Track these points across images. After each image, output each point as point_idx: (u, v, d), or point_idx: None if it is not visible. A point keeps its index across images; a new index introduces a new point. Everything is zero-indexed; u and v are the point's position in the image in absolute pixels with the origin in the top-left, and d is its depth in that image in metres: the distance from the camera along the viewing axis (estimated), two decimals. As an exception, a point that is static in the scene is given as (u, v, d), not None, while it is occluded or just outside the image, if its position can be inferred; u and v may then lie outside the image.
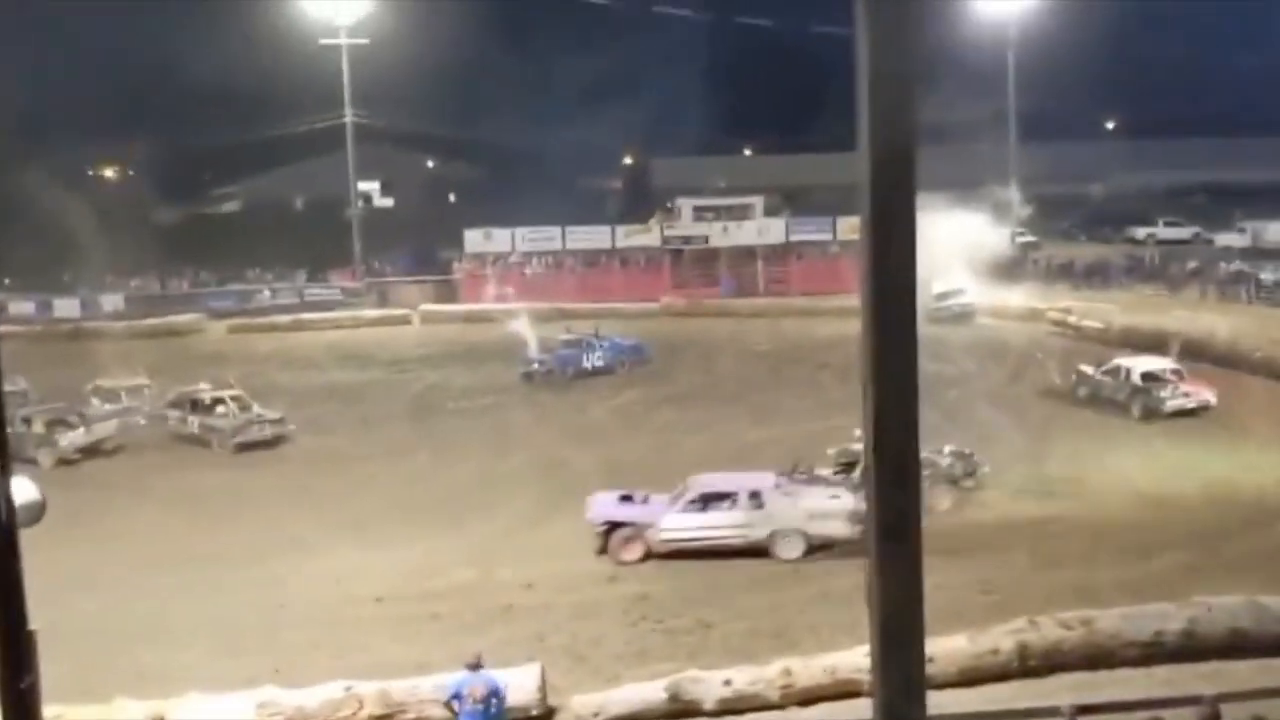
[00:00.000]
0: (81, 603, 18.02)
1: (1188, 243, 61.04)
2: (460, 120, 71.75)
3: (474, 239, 55.16)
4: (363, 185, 61.04)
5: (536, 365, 37.01)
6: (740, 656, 15.86)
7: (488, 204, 61.01)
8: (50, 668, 4.66)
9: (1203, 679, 13.74)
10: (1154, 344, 33.86)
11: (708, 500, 21.07)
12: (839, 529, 20.27)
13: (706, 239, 55.32)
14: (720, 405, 32.74)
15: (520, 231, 55.06)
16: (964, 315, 41.82)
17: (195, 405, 31.14)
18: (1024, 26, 58.01)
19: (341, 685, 14.50)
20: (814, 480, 22.45)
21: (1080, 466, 25.58)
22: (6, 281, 55.49)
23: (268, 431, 30.37)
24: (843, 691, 14.31)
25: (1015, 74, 58.72)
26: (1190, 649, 15.12)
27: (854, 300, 4.42)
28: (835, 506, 20.74)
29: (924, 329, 4.21)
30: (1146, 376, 29.88)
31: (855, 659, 13.93)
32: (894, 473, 4.19)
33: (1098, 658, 15.11)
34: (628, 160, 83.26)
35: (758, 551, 20.51)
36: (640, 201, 65.70)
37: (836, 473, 22.82)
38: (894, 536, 4.20)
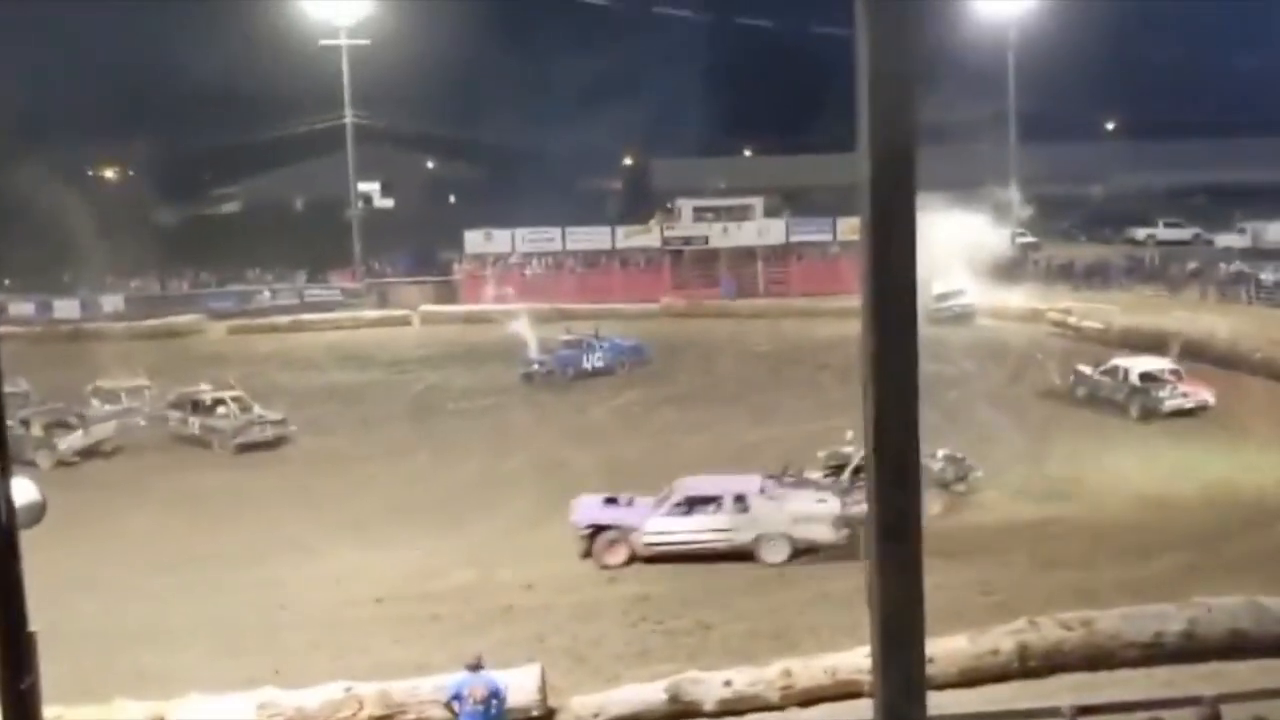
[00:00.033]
0: (81, 603, 18.00)
1: (1188, 243, 60.95)
2: (460, 120, 71.78)
3: (474, 240, 55.15)
4: (363, 186, 61.11)
5: (536, 366, 36.98)
6: (740, 657, 15.81)
7: (488, 205, 60.99)
8: (50, 668, 4.67)
9: (1203, 680, 13.71)
10: (1154, 345, 33.87)
11: (692, 504, 20.80)
12: (824, 533, 20.14)
13: (706, 240, 55.32)
14: (720, 406, 32.72)
15: (520, 232, 55.03)
16: (964, 316, 41.72)
17: (196, 406, 31.13)
18: (1024, 27, 57.96)
19: (341, 686, 14.48)
20: (802, 483, 22.16)
21: (1079, 467, 25.57)
22: (6, 282, 55.43)
23: (269, 432, 30.37)
24: (843, 692, 14.29)
25: (1015, 74, 58.68)
26: (1190, 650, 15.10)
27: (854, 301, 4.42)
28: (821, 510, 20.54)
29: (924, 329, 4.21)
30: (1144, 377, 29.86)
31: (855, 660, 13.92)
32: (894, 473, 4.20)
33: (1098, 658, 15.08)
34: (628, 161, 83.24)
35: (742, 556, 20.31)
36: (640, 202, 65.65)
37: (825, 475, 22.65)
38: (894, 536, 4.21)
